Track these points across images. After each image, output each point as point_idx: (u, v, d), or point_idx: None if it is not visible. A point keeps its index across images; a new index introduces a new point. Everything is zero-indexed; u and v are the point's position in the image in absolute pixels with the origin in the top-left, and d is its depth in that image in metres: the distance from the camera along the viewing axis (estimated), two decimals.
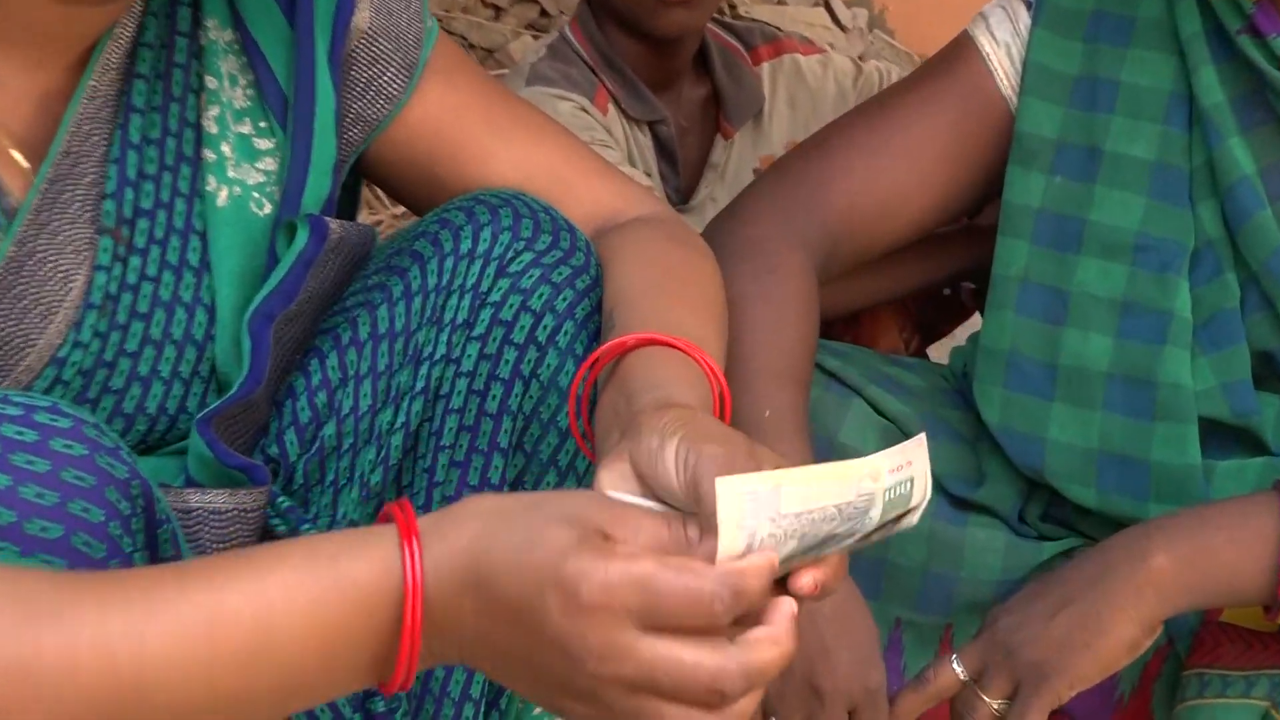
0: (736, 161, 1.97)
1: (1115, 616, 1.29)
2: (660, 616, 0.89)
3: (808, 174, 1.51)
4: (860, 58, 3.36)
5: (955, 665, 1.34)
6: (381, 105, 1.31)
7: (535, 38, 3.18)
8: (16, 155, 1.19)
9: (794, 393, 1.40)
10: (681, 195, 1.95)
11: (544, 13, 3.33)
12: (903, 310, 1.77)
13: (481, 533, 0.93)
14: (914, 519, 0.98)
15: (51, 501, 0.97)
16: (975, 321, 1.81)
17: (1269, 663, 1.37)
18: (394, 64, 1.30)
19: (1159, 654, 1.43)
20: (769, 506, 0.93)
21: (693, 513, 0.97)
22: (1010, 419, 1.45)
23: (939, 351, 1.87)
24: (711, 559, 0.91)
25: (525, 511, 0.93)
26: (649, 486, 1.01)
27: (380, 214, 2.62)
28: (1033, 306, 1.46)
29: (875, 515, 0.96)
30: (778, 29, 2.10)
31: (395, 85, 1.31)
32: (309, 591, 0.91)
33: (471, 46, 3.16)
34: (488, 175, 1.34)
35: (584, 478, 1.28)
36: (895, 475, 0.97)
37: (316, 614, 0.91)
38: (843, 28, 3.52)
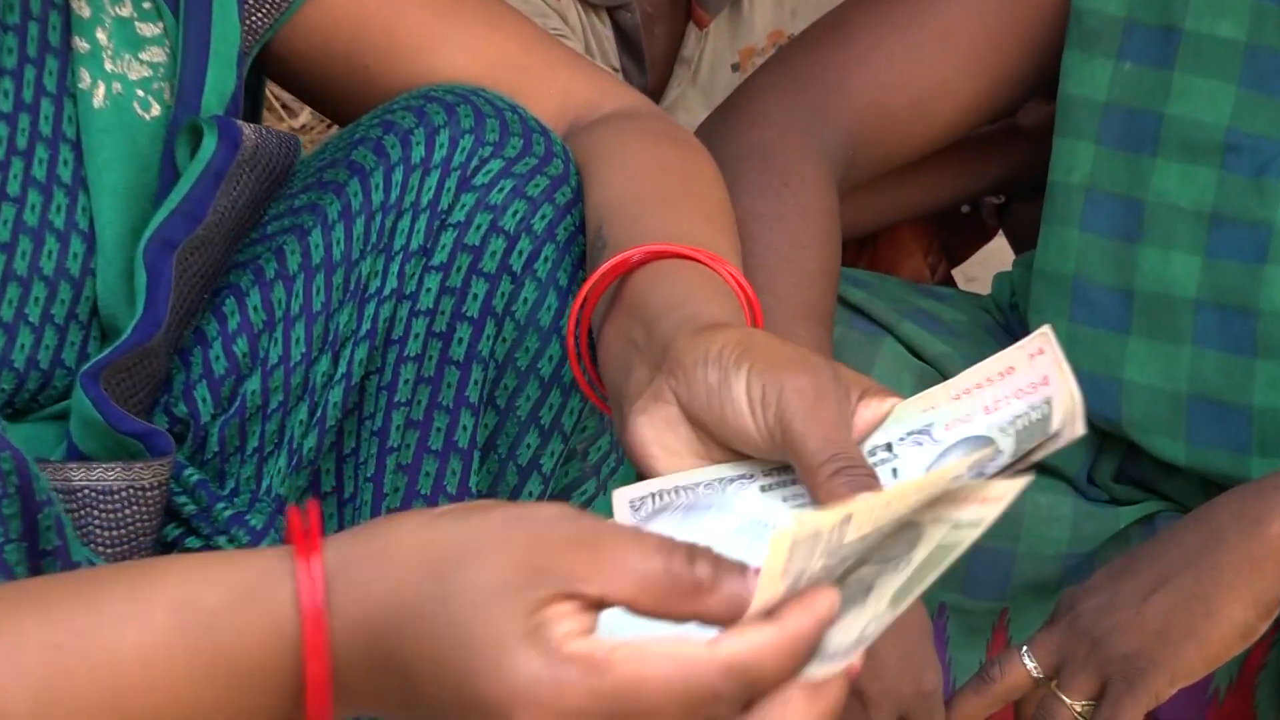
0: (712, 55, 1.85)
1: (1226, 596, 1.20)
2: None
3: (825, 64, 1.42)
4: None
5: (1026, 660, 1.24)
6: None
7: None
8: None
9: (817, 331, 1.30)
10: (649, 95, 1.78)
11: None
12: (927, 230, 1.70)
13: (403, 601, 0.77)
14: (1065, 439, 0.85)
15: None
16: (997, 250, 1.78)
17: None
18: None
19: (1263, 641, 1.32)
20: (829, 542, 0.77)
21: (777, 461, 0.90)
22: (1077, 358, 1.34)
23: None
24: (726, 612, 0.76)
25: (460, 571, 0.76)
26: (708, 432, 0.93)
27: (276, 127, 2.45)
28: (1101, 221, 1.37)
29: (1006, 451, 0.85)
30: None
31: None
32: (176, 665, 0.78)
33: None
34: (434, 66, 1.25)
35: (571, 436, 1.20)
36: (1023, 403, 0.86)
37: (185, 692, 0.79)
38: None
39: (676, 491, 0.91)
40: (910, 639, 1.25)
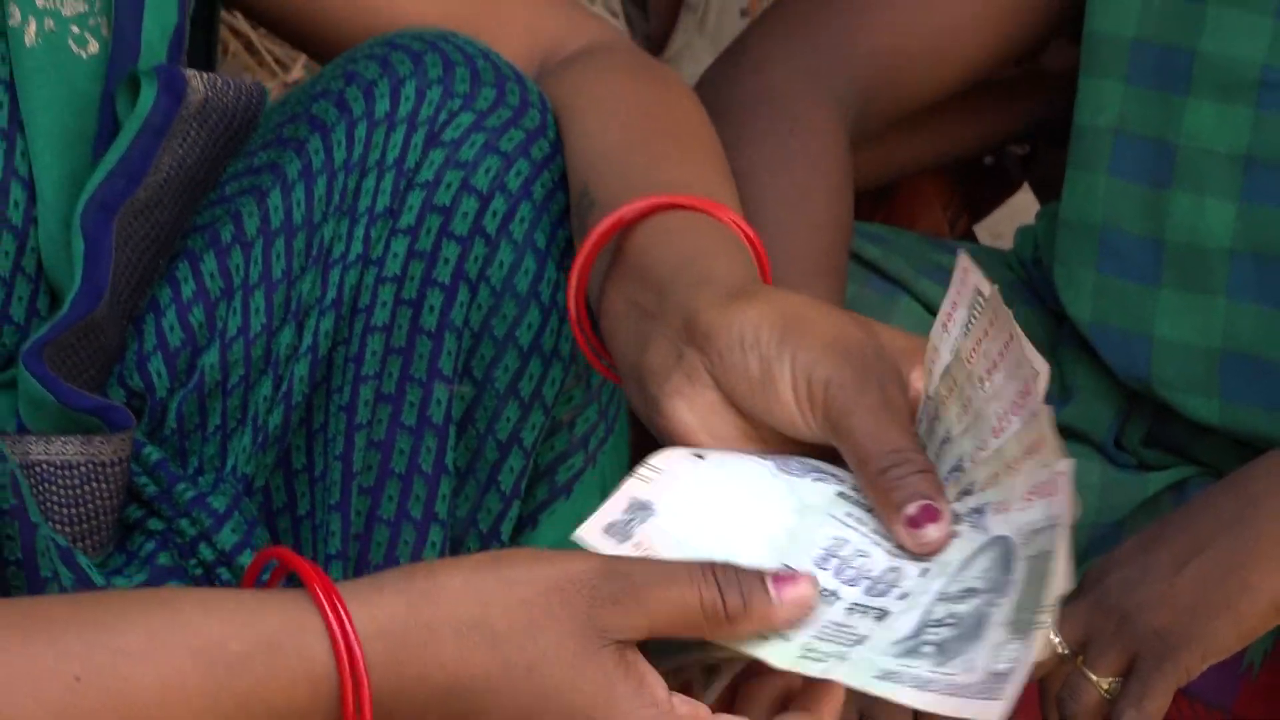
0: (720, 1, 1.89)
1: (1264, 567, 1.22)
2: None
3: (835, 5, 1.44)
4: None
5: (1051, 635, 1.25)
6: None
7: None
8: None
9: (827, 289, 1.31)
10: (652, 44, 1.89)
11: None
12: (945, 181, 1.71)
13: (471, 674, 0.88)
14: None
15: None
16: (1023, 205, 1.80)
17: None
18: None
19: None
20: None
21: (825, 443, 0.96)
22: (1105, 313, 1.40)
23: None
24: (757, 629, 0.88)
25: (524, 640, 0.87)
26: (749, 419, 0.98)
27: (269, 83, 2.53)
28: (1130, 165, 1.40)
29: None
30: None
31: None
32: (194, 705, 0.86)
33: None
34: (398, 5, 1.27)
35: (554, 408, 1.21)
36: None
37: None
38: None
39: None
40: None
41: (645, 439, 1.34)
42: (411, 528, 1.19)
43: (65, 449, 1.11)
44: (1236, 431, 1.37)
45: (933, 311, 1.41)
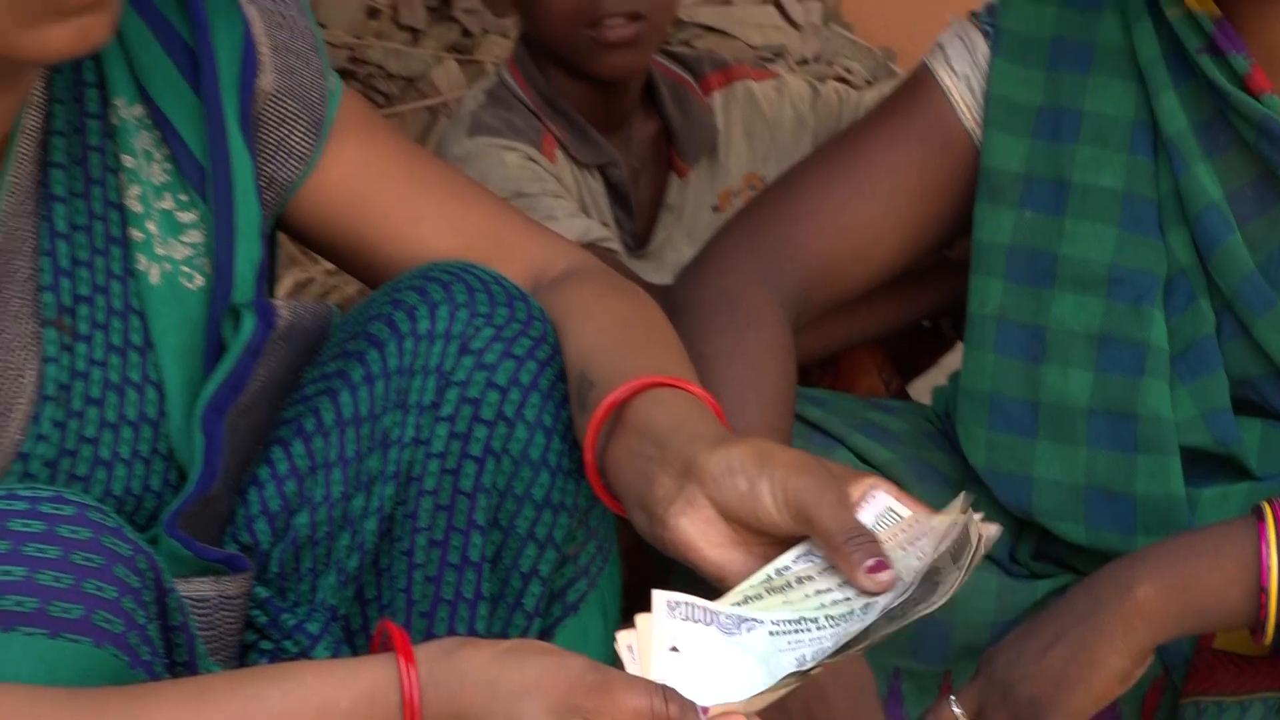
0: (694, 200, 2.08)
1: (1105, 649, 1.44)
2: None
3: (776, 219, 1.65)
4: (816, 56, 3.47)
5: (954, 707, 1.49)
6: (293, 166, 1.45)
7: (458, 62, 3.23)
8: None
9: None
10: (637, 240, 2.06)
11: (466, 32, 3.35)
12: (880, 350, 1.91)
13: (478, 713, 1.15)
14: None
15: (67, 584, 1.13)
16: (959, 355, 1.95)
17: (1262, 686, 1.53)
18: (301, 123, 1.45)
19: (1156, 685, 1.58)
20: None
21: (800, 536, 1.24)
22: (996, 459, 1.61)
23: (922, 389, 2.00)
24: None
25: (522, 702, 1.14)
26: (742, 524, 1.25)
27: (311, 270, 2.71)
28: (1011, 345, 1.61)
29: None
30: (726, 57, 2.20)
31: (304, 144, 1.45)
32: None
33: (390, 75, 3.21)
34: (421, 238, 1.48)
35: (564, 546, 1.41)
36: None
37: None
38: (795, 25, 3.60)
39: (705, 611, 1.22)
40: (858, 689, 1.48)
41: (634, 570, 1.56)
42: None
43: (201, 587, 1.31)
44: (1099, 548, 1.59)
45: (863, 459, 1.64)
